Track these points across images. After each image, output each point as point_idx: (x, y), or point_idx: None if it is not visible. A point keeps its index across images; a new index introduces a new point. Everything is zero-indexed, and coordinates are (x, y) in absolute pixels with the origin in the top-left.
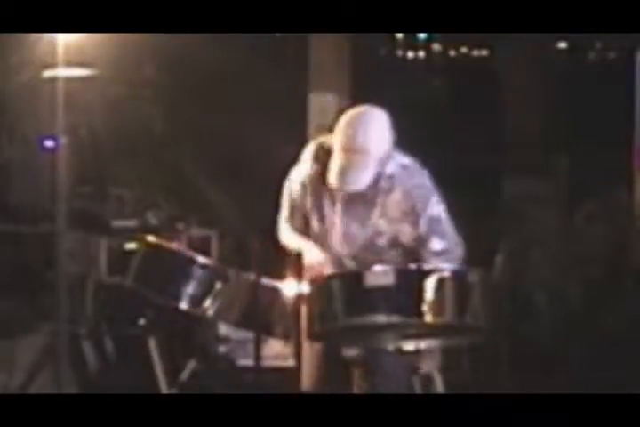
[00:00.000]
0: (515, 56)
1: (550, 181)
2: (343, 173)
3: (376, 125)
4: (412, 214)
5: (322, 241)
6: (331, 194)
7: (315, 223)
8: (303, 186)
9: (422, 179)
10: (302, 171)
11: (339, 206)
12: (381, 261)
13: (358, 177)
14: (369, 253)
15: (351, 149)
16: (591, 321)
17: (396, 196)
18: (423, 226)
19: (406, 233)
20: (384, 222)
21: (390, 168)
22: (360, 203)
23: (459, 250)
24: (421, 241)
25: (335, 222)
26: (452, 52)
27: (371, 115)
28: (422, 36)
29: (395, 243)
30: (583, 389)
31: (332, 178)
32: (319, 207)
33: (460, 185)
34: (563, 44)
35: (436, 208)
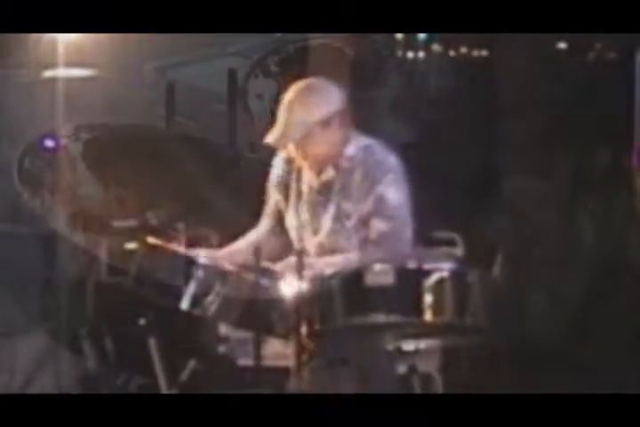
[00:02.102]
0: (515, 56)
1: (550, 181)
2: (275, 129)
3: (307, 90)
4: (370, 191)
5: (299, 236)
6: (300, 188)
7: (289, 220)
8: (274, 188)
9: (383, 157)
10: (274, 175)
11: (309, 197)
12: (349, 246)
13: (285, 130)
14: (337, 237)
15: (282, 108)
16: (591, 321)
17: (357, 176)
18: (370, 204)
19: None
20: (349, 204)
21: (350, 150)
22: (327, 190)
23: (407, 231)
24: (366, 220)
25: (307, 214)
26: (452, 52)
27: (306, 83)
28: (422, 36)
29: (363, 224)
30: (583, 389)
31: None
32: (289, 202)
33: (459, 185)
34: (563, 44)
35: (388, 187)
